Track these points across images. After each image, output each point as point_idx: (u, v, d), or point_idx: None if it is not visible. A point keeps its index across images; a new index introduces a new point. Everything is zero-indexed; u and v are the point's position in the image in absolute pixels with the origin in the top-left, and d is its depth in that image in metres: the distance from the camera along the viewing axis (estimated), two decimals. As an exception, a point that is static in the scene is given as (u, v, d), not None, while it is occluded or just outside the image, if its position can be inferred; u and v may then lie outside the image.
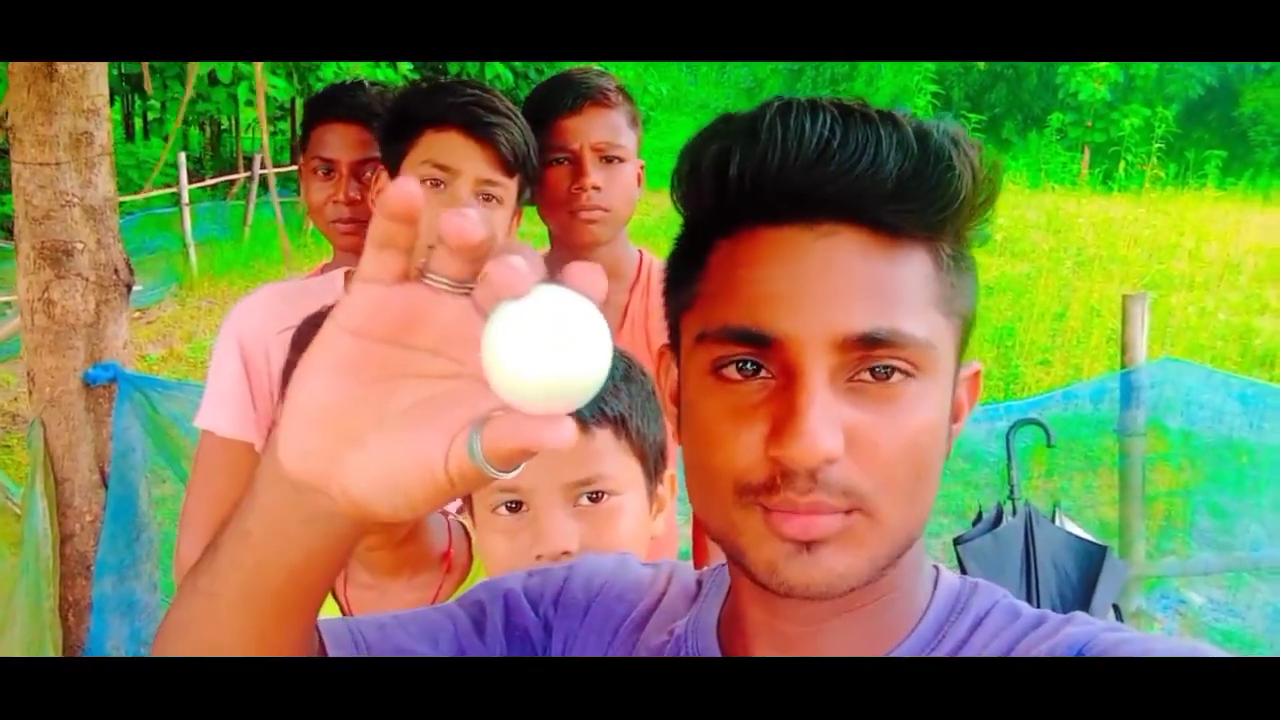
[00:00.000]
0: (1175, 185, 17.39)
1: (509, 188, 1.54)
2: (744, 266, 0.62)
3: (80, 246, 2.55)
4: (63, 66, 2.47)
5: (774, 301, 0.61)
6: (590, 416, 1.02)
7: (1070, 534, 2.87)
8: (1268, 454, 3.30)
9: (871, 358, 0.61)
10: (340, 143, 1.83)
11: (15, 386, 7.01)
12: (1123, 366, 3.20)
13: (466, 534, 1.33)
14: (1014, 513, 2.88)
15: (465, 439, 0.48)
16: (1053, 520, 2.91)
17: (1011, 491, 2.96)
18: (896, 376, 0.61)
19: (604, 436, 1.03)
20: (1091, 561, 2.79)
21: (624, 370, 1.07)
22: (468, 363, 0.49)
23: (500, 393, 0.47)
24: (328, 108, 1.86)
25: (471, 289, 0.48)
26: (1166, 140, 20.11)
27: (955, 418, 0.68)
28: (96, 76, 2.55)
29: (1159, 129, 18.86)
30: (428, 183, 1.49)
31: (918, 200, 0.60)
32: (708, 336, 0.63)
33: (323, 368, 0.50)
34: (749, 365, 0.62)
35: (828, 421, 0.59)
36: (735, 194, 0.62)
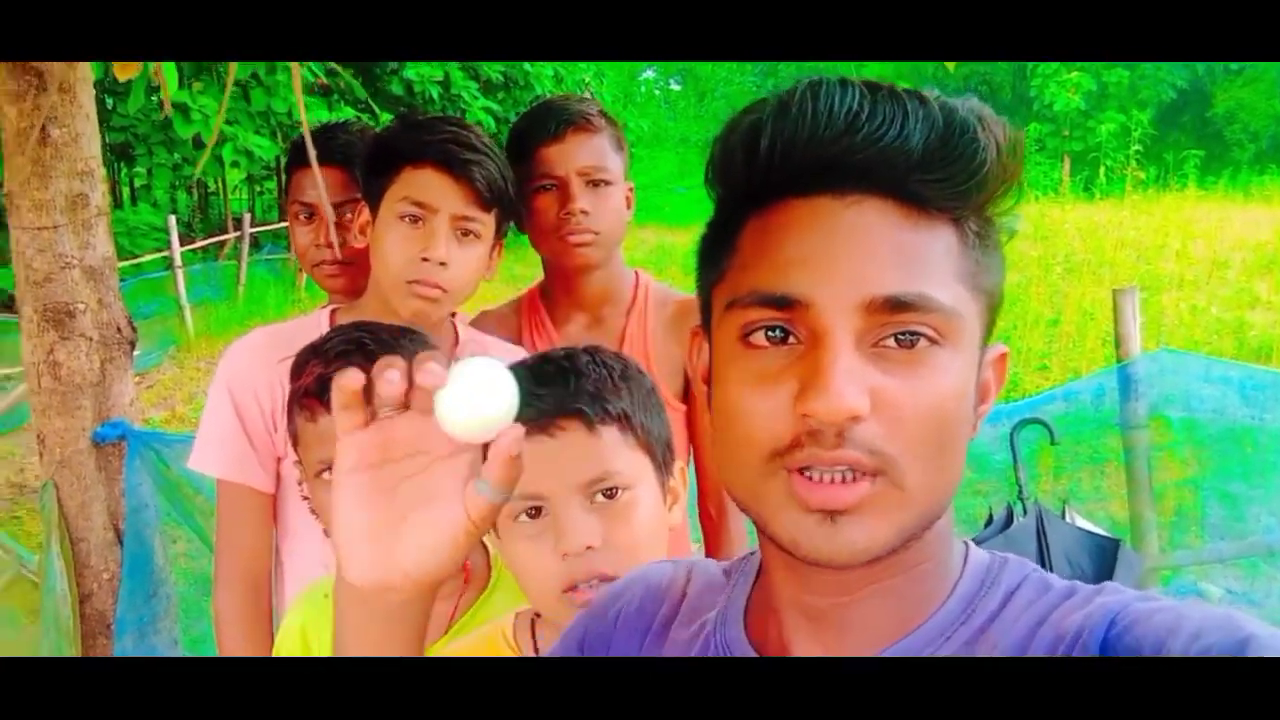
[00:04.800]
0: (1157, 187, 17.54)
1: (486, 222, 1.57)
2: (773, 234, 0.64)
3: (82, 307, 2.57)
4: (55, 131, 2.50)
5: (802, 266, 0.62)
6: (595, 416, 1.05)
7: (1082, 530, 2.87)
8: (1272, 439, 3.31)
9: (897, 322, 0.61)
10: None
11: (20, 458, 7.00)
12: (1118, 361, 3.22)
13: (484, 547, 1.35)
14: (1024, 513, 2.87)
15: (473, 489, 0.67)
16: (1063, 518, 2.90)
17: (1020, 491, 2.95)
18: (922, 343, 0.62)
19: (610, 434, 1.06)
20: (1105, 556, 2.79)
21: (621, 370, 1.10)
22: (434, 449, 0.67)
23: (460, 438, 0.65)
24: (307, 152, 1.89)
25: (409, 405, 0.65)
26: (1144, 144, 20.30)
27: (982, 399, 0.68)
28: (89, 139, 2.58)
29: (1135, 133, 19.04)
30: (406, 219, 1.53)
31: (944, 170, 0.61)
32: (737, 303, 0.65)
33: (346, 502, 0.67)
34: (777, 331, 0.63)
35: (853, 380, 0.60)
36: (765, 166, 0.64)
